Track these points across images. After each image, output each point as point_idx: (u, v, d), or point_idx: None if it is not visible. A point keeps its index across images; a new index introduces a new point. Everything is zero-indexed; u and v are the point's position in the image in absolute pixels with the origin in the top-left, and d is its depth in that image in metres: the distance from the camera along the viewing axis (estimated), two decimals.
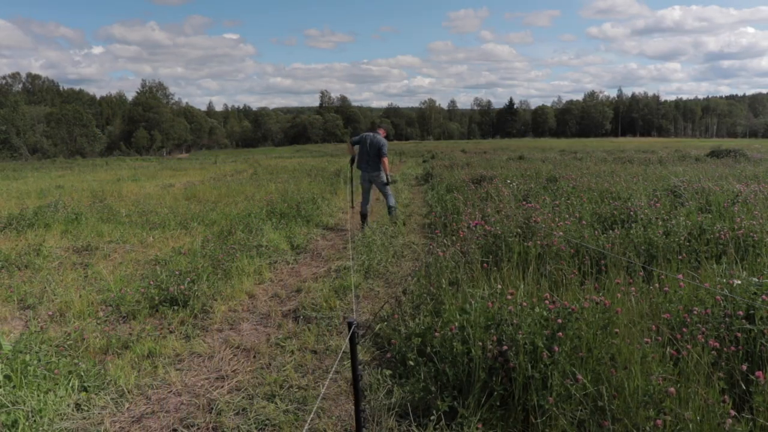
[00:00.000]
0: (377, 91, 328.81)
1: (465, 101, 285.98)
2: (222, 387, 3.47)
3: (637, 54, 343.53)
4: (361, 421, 2.66)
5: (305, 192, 12.42)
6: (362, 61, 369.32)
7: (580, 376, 2.70)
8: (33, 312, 4.78)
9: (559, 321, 2.98)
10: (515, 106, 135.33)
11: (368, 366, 3.61)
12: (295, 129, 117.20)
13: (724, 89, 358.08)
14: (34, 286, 5.45)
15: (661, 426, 2.37)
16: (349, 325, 2.50)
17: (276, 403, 3.21)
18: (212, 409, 3.20)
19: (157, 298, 4.85)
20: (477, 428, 2.75)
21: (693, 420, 2.39)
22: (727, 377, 2.75)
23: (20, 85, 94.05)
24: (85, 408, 3.18)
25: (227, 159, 41.98)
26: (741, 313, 3.05)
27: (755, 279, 3.53)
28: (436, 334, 3.26)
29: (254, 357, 3.94)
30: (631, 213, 6.47)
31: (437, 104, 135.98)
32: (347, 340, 2.51)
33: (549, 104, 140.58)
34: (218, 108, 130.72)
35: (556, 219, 6.04)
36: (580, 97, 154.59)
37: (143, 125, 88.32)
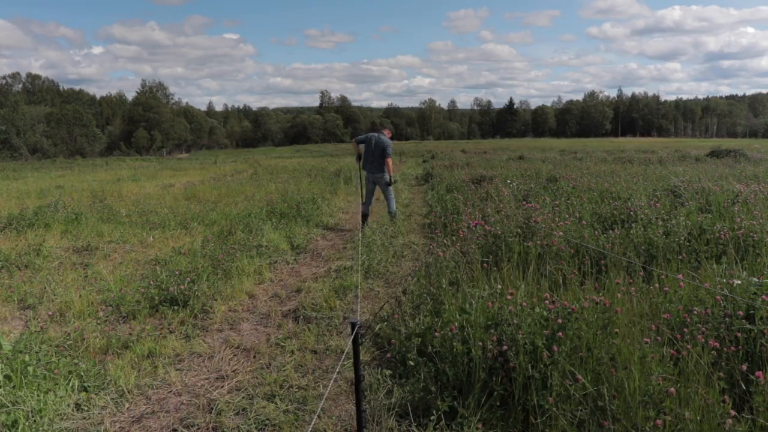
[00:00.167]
0: (377, 91, 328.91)
1: (465, 101, 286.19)
2: (222, 387, 3.47)
3: (637, 54, 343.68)
4: (362, 422, 2.66)
5: (305, 192, 12.42)
6: (362, 61, 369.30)
7: (579, 376, 2.70)
8: (33, 312, 4.78)
9: (559, 321, 2.98)
10: (515, 106, 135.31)
11: (368, 366, 3.61)
12: (295, 129, 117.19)
13: (724, 89, 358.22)
14: (34, 286, 5.45)
15: (661, 426, 2.37)
16: (352, 325, 2.49)
17: (276, 403, 3.21)
18: (212, 409, 3.20)
19: (157, 298, 4.85)
20: (477, 428, 2.75)
21: (693, 420, 2.39)
22: (727, 377, 2.75)
23: (20, 85, 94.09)
24: (85, 408, 3.18)
25: (227, 159, 41.99)
26: (741, 313, 3.05)
27: (755, 279, 3.53)
28: (436, 334, 3.26)
29: (254, 357, 3.94)
30: (631, 213, 6.47)
31: (437, 104, 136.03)
32: (350, 341, 2.51)
33: (549, 104, 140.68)
34: (218, 108, 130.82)
35: (556, 219, 6.04)
36: (580, 97, 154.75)
37: (143, 125, 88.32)
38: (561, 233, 5.29)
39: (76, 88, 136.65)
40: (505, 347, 2.94)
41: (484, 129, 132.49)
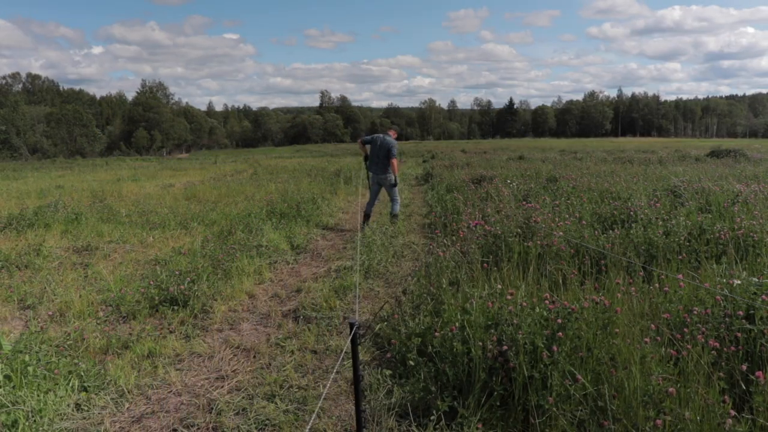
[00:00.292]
0: (377, 91, 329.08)
1: (465, 101, 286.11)
2: (222, 387, 3.47)
3: (637, 54, 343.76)
4: (362, 422, 2.66)
5: (305, 192, 12.42)
6: (362, 61, 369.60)
7: (579, 377, 2.70)
8: (33, 312, 4.78)
9: (559, 321, 2.98)
10: (515, 106, 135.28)
11: (368, 366, 3.61)
12: (295, 129, 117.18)
13: (724, 89, 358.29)
14: (34, 286, 5.45)
15: (661, 426, 2.37)
16: (351, 325, 2.49)
17: (276, 403, 3.21)
18: (212, 409, 3.20)
19: (157, 298, 4.85)
20: (477, 428, 2.75)
21: (693, 420, 2.39)
22: (727, 377, 2.75)
23: (20, 85, 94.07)
24: (85, 408, 3.18)
25: (227, 159, 41.98)
26: (741, 313, 3.05)
27: (755, 279, 3.52)
28: (436, 334, 3.26)
29: (254, 357, 3.94)
30: (631, 213, 6.47)
31: (437, 104, 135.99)
32: (349, 341, 2.51)
33: (549, 104, 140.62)
34: (218, 108, 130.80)
35: (556, 219, 6.04)
36: (580, 97, 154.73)
37: (143, 125, 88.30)
38: (561, 233, 5.29)
39: (76, 88, 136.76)
40: (505, 347, 2.94)
41: (484, 129, 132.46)
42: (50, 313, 4.67)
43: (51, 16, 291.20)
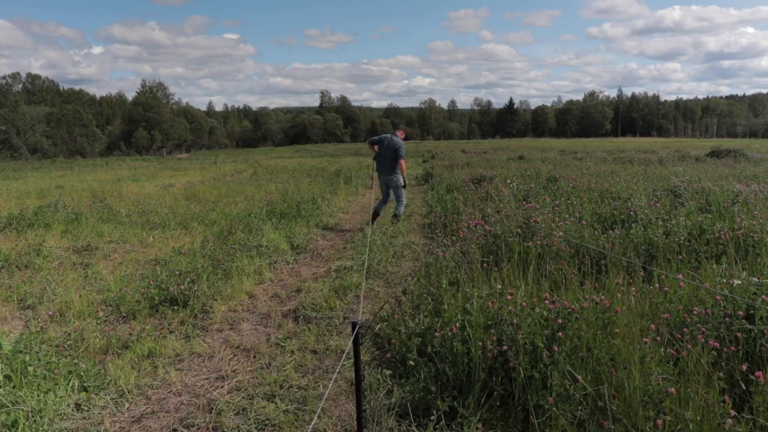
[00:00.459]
0: (377, 91, 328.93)
1: (465, 101, 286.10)
2: (222, 387, 3.47)
3: (637, 54, 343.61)
4: (362, 422, 2.66)
5: (305, 192, 12.43)
6: (362, 61, 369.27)
7: (579, 377, 2.70)
8: (33, 312, 4.78)
9: (559, 321, 2.98)
10: (515, 106, 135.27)
11: (368, 366, 3.61)
12: (295, 129, 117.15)
13: (724, 89, 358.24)
14: (34, 286, 5.45)
15: (661, 426, 2.37)
16: (353, 325, 2.49)
17: (276, 403, 3.21)
18: (212, 409, 3.20)
19: (157, 298, 4.85)
20: (477, 428, 2.75)
21: (693, 420, 2.39)
22: (727, 377, 2.75)
23: (20, 85, 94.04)
24: (85, 408, 3.18)
25: (227, 159, 41.99)
26: (741, 313, 3.05)
27: (755, 279, 3.53)
28: (436, 334, 3.26)
29: (254, 357, 3.94)
30: (631, 213, 6.47)
31: (437, 104, 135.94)
32: (350, 341, 2.51)
33: (549, 104, 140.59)
34: (218, 108, 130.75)
35: (556, 219, 6.04)
36: (580, 97, 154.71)
37: (143, 125, 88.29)
38: (561, 233, 5.29)
39: (76, 88, 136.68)
40: (505, 347, 2.94)
41: (484, 129, 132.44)
42: (50, 313, 4.67)
43: (51, 16, 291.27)
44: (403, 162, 8.53)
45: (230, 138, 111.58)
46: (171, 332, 4.31)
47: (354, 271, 5.89)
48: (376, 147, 8.90)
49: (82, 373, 3.42)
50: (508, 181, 10.79)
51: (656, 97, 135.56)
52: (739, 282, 3.47)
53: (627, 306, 3.41)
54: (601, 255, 4.82)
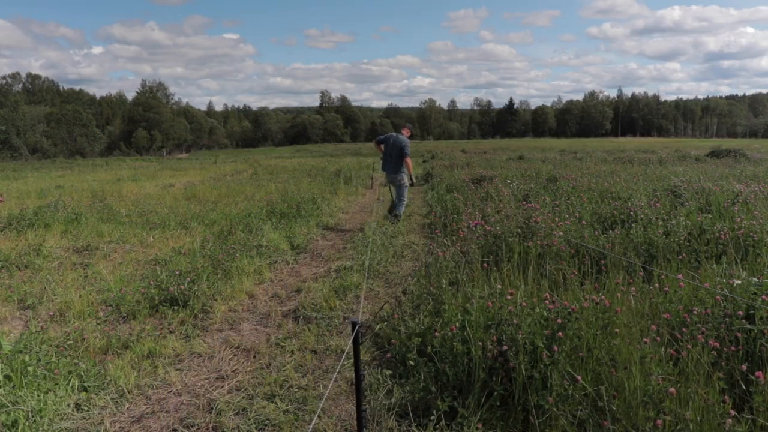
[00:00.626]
0: (377, 91, 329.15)
1: (465, 101, 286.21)
2: (222, 387, 3.47)
3: (637, 54, 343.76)
4: (362, 422, 2.66)
5: (305, 192, 12.43)
6: (362, 61, 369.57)
7: (579, 377, 2.70)
8: (33, 312, 4.78)
9: (559, 321, 2.98)
10: (515, 106, 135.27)
11: (368, 366, 3.61)
12: (295, 129, 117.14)
13: (724, 89, 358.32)
14: (34, 286, 5.45)
15: (661, 426, 2.37)
16: (353, 325, 2.48)
17: (276, 403, 3.21)
18: (212, 409, 3.20)
19: (157, 298, 4.85)
20: (477, 428, 2.75)
21: (693, 420, 2.39)
22: (727, 377, 2.75)
23: (20, 85, 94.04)
24: (85, 408, 3.18)
25: (227, 159, 41.99)
26: (741, 313, 3.05)
27: (755, 279, 3.53)
28: (436, 334, 3.26)
29: (254, 357, 3.94)
30: (631, 213, 6.47)
31: (437, 104, 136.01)
32: (350, 341, 2.51)
33: (549, 104, 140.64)
34: (218, 108, 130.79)
35: (556, 219, 6.04)
36: (580, 97, 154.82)
37: (143, 125, 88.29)
38: (561, 233, 5.29)
39: (76, 88, 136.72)
40: (505, 347, 2.94)
41: (484, 129, 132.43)
42: (50, 313, 4.67)
43: (51, 16, 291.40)
44: (409, 160, 8.55)
45: (230, 138, 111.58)
46: (171, 332, 4.31)
47: (354, 271, 5.88)
48: (382, 146, 8.91)
49: (82, 373, 3.42)
50: (508, 181, 10.78)
51: (656, 97, 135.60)
52: (739, 282, 3.47)
53: (627, 306, 3.41)
54: (601, 255, 4.82)
